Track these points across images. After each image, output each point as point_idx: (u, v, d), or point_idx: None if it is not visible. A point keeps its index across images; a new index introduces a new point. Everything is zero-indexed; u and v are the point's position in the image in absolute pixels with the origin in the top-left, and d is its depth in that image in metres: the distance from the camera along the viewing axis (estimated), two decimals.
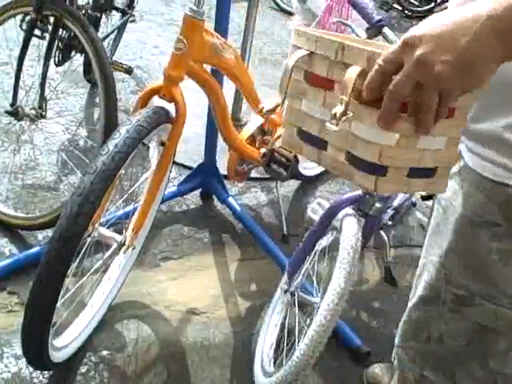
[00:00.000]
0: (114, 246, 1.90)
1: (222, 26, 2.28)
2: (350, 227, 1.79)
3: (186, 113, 1.88)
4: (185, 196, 2.76)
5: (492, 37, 0.76)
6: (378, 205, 1.90)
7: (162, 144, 1.89)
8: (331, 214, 1.91)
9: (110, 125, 2.21)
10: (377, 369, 2.13)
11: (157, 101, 1.86)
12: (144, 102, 1.86)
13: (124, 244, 1.90)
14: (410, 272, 2.57)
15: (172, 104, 1.85)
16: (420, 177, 0.99)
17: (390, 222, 2.21)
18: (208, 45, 1.89)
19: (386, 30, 1.71)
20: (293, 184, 3.05)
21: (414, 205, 2.44)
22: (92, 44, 2.20)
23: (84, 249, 1.82)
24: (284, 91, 1.04)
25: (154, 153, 1.97)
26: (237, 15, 4.38)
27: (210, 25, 2.07)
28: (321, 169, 3.07)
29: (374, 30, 1.69)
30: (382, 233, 2.21)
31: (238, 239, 2.66)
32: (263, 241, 2.54)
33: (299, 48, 1.02)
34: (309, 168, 3.01)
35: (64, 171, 2.71)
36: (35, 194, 2.58)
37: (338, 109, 0.90)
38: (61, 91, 2.98)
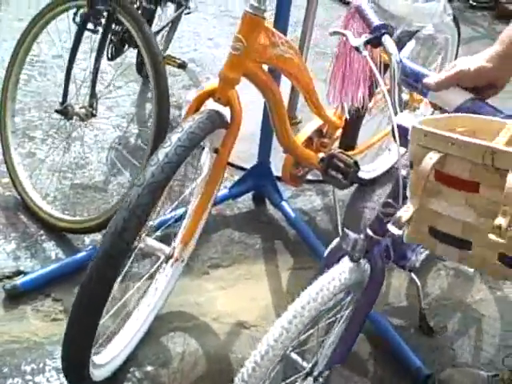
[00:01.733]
0: (162, 258, 1.79)
1: (282, 23, 2.14)
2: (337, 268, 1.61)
3: (242, 117, 1.75)
4: (236, 199, 2.64)
5: None
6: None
7: (215, 151, 1.77)
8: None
9: (162, 124, 2.12)
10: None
11: (211, 104, 1.73)
12: (198, 104, 1.74)
13: (172, 256, 1.80)
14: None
15: (227, 108, 1.72)
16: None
17: (417, 264, 2.06)
18: (268, 45, 1.75)
19: (385, 38, 1.55)
20: (350, 187, 2.90)
21: None
22: (145, 40, 2.10)
23: (130, 258, 1.74)
24: (418, 196, 1.05)
25: (206, 159, 1.86)
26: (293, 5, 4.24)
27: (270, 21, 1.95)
28: (379, 172, 2.91)
29: (374, 38, 1.54)
30: (414, 276, 2.08)
31: (291, 246, 2.53)
32: (317, 249, 2.41)
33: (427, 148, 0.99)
34: (366, 171, 2.85)
35: (113, 170, 2.63)
36: (84, 195, 2.50)
37: (502, 221, 0.89)
38: (113, 86, 2.91)
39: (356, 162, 2.22)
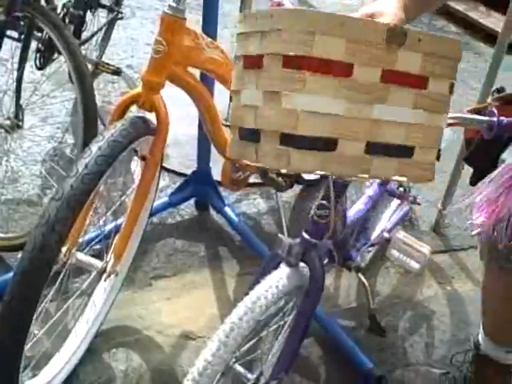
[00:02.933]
0: (94, 273, 1.71)
1: (210, 24, 2.07)
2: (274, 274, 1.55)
3: (169, 123, 1.68)
4: (178, 206, 2.57)
5: None
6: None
7: (143, 158, 1.69)
8: None
9: (90, 133, 2.02)
10: None
11: (135, 110, 1.66)
12: (121, 112, 1.65)
13: (105, 271, 1.71)
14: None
15: (153, 114, 1.65)
16: (386, 154, 0.88)
17: (363, 265, 2.04)
18: (190, 46, 1.69)
19: None
20: (295, 189, 2.84)
21: (387, 241, 2.23)
22: (67, 46, 2.02)
23: (62, 275, 1.66)
24: None
25: (136, 167, 1.78)
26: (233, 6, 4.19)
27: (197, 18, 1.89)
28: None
29: None
30: (361, 276, 2.04)
31: (236, 252, 2.46)
32: (263, 253, 2.35)
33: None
34: None
35: (48, 183, 2.52)
36: (16, 210, 2.40)
37: None
38: (46, 95, 2.81)
39: None
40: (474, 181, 1.53)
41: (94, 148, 1.45)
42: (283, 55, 0.82)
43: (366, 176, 0.90)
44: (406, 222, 2.75)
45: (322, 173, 0.88)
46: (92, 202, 1.65)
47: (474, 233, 1.69)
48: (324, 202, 1.54)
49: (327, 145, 0.85)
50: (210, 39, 1.78)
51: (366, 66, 0.84)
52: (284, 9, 0.87)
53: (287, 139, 0.83)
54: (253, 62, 0.85)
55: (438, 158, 0.96)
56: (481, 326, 1.95)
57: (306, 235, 1.57)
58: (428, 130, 0.90)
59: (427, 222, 2.88)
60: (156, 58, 1.63)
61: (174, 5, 1.62)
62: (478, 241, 1.78)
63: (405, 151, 0.89)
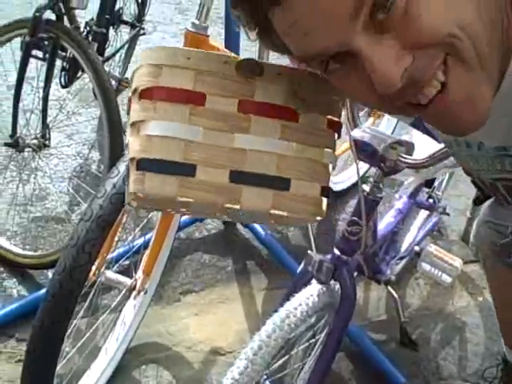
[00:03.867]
0: (123, 291, 1.71)
1: (232, 40, 2.07)
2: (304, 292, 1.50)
3: None
4: (205, 221, 2.56)
5: None
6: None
7: None
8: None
9: (116, 151, 2.03)
10: None
11: None
12: None
13: (134, 288, 1.71)
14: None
15: None
16: (256, 185, 0.85)
17: (393, 278, 2.01)
18: None
19: None
20: None
21: (418, 254, 2.20)
22: (91, 65, 2.04)
23: (92, 293, 1.66)
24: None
25: None
26: None
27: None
28: (349, 182, 2.84)
29: None
30: (391, 289, 2.01)
31: (264, 266, 2.45)
32: (291, 267, 2.33)
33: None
34: (337, 182, 2.79)
35: (76, 200, 2.53)
36: (45, 228, 2.41)
37: None
38: (72, 112, 2.83)
39: None
40: (479, 201, 1.49)
41: (122, 167, 1.45)
42: (139, 89, 0.85)
43: (237, 206, 0.87)
44: (435, 232, 2.72)
45: (185, 200, 0.85)
46: (121, 219, 1.65)
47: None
48: (355, 218, 1.52)
49: (185, 169, 0.83)
50: (233, 54, 1.77)
51: (218, 96, 0.84)
52: (148, 48, 0.88)
53: (144, 164, 0.83)
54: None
55: (326, 196, 0.91)
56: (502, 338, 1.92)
57: (337, 251, 1.56)
58: (305, 164, 0.87)
59: (456, 231, 2.84)
60: None
61: (197, 22, 1.61)
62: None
63: (279, 183, 0.86)
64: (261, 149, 0.86)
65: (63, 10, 2.28)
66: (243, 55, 1.96)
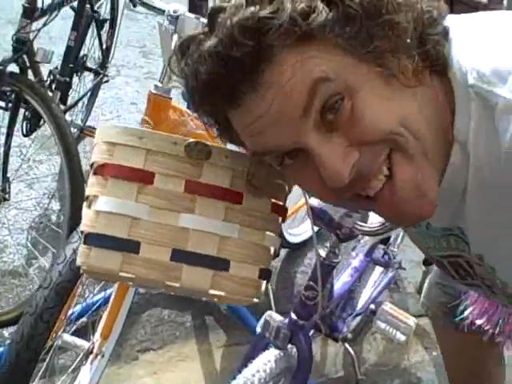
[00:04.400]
0: (80, 355, 1.69)
1: None
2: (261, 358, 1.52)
3: None
4: None
5: None
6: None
7: None
8: None
9: (77, 203, 2.03)
10: None
11: None
12: None
13: (91, 352, 1.70)
14: None
15: None
16: (196, 264, 0.88)
17: (350, 335, 2.04)
18: (176, 122, 1.72)
19: None
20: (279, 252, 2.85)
21: (373, 313, 2.25)
22: (54, 120, 2.05)
23: (48, 357, 1.65)
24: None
25: None
26: None
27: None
28: (308, 234, 2.87)
29: None
30: (348, 346, 2.04)
31: (222, 322, 2.45)
32: (249, 322, 2.34)
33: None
34: (296, 234, 2.82)
35: (34, 253, 2.50)
36: (2, 283, 2.37)
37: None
38: (33, 160, 2.82)
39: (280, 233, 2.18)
40: (428, 263, 1.54)
41: None
42: (94, 165, 0.91)
43: (177, 285, 0.90)
44: (392, 285, 2.76)
45: (127, 275, 0.89)
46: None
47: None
48: (311, 283, 1.55)
49: (129, 246, 0.87)
50: (194, 115, 1.81)
51: (167, 176, 0.89)
52: (104, 125, 0.93)
53: (90, 239, 0.88)
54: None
55: (265, 278, 0.95)
56: None
57: (293, 316, 1.57)
58: (246, 246, 0.91)
59: (413, 283, 2.89)
60: None
61: (160, 85, 1.65)
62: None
63: (219, 264, 0.90)
64: (204, 229, 0.89)
65: (28, 64, 2.30)
66: None
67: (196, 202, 0.89)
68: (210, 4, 0.83)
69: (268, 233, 0.94)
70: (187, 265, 0.89)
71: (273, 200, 0.95)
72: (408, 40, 0.79)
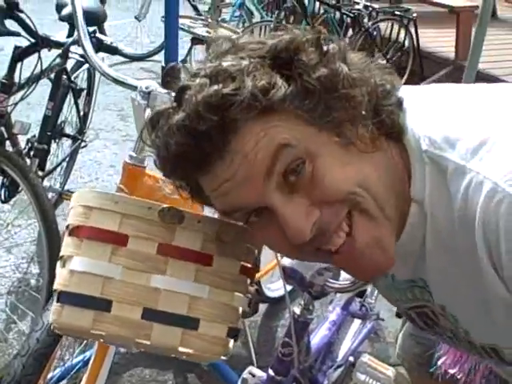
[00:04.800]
0: None
1: None
2: None
3: None
4: None
5: None
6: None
7: None
8: None
9: (55, 268, 2.05)
10: None
11: None
12: None
13: None
14: None
15: None
16: (166, 323, 0.92)
17: None
18: (151, 188, 1.77)
19: None
20: (260, 307, 2.87)
21: (352, 365, 2.26)
22: (31, 189, 2.09)
23: None
24: None
25: None
26: None
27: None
28: (288, 288, 2.90)
29: None
30: None
31: (204, 378, 2.45)
32: (230, 379, 2.34)
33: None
34: (275, 289, 2.85)
35: (12, 318, 2.50)
36: None
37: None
38: (11, 224, 2.84)
39: (257, 290, 2.21)
40: (400, 315, 1.58)
41: None
42: (70, 226, 0.95)
43: (148, 342, 0.94)
44: (372, 334, 2.78)
45: (98, 333, 0.92)
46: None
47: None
48: (287, 339, 1.58)
49: (101, 304, 0.91)
50: (169, 180, 1.85)
51: (140, 239, 0.93)
52: (80, 190, 0.99)
53: (63, 297, 0.92)
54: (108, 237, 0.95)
55: (232, 336, 0.98)
56: None
57: (271, 372, 1.60)
58: (216, 306, 0.95)
59: (392, 333, 2.90)
60: None
61: (135, 155, 1.69)
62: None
63: (188, 322, 0.93)
64: (174, 289, 0.93)
65: (5, 135, 2.35)
66: None
67: (168, 264, 0.94)
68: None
69: (237, 293, 0.98)
70: (157, 323, 0.92)
71: (242, 262, 1.00)
72: (363, 111, 0.85)
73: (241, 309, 1.00)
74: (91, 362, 1.79)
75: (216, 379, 2.41)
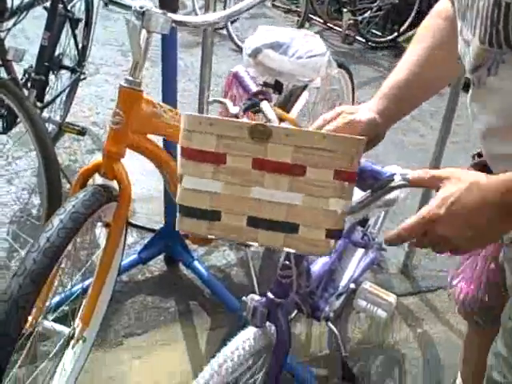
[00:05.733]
0: (61, 340, 1.71)
1: (169, 88, 2.13)
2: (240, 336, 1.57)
3: (131, 189, 1.71)
4: (147, 263, 2.57)
5: (504, 221, 0.94)
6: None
7: (107, 225, 1.71)
8: None
9: (54, 199, 2.05)
10: None
11: (97, 179, 1.69)
12: (83, 181, 1.68)
13: (72, 337, 1.72)
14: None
15: (114, 181, 1.68)
16: (269, 229, 1.05)
17: (331, 314, 2.06)
18: (149, 115, 1.73)
19: (263, 104, 1.58)
20: None
21: (354, 291, 2.27)
22: (28, 117, 2.05)
23: (29, 342, 1.66)
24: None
25: (100, 233, 1.80)
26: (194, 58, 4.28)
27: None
28: None
29: (252, 105, 1.59)
30: (331, 325, 2.07)
31: (207, 306, 2.47)
32: (233, 306, 2.36)
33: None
34: None
35: (14, 247, 2.51)
36: None
37: None
38: (11, 156, 2.83)
39: None
40: None
41: (56, 221, 1.47)
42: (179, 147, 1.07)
43: (255, 244, 1.09)
44: (375, 266, 2.78)
45: (212, 236, 1.09)
46: (58, 267, 1.66)
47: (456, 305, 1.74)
48: (286, 262, 1.57)
49: (212, 215, 1.05)
50: (168, 106, 1.82)
51: (236, 156, 1.03)
52: (183, 114, 1.08)
53: (181, 209, 1.07)
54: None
55: (333, 237, 1.08)
56: (459, 374, 1.98)
57: (270, 295, 1.60)
58: (312, 212, 1.05)
59: (395, 264, 2.92)
60: (115, 129, 1.66)
61: (131, 78, 1.66)
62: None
63: (289, 227, 1.05)
64: (272, 200, 1.04)
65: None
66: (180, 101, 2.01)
67: (264, 177, 1.04)
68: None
69: (331, 199, 1.05)
70: (261, 229, 1.06)
71: (337, 168, 1.04)
72: None
73: (339, 211, 1.06)
74: (91, 287, 1.81)
75: (218, 306, 2.43)
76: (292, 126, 1.08)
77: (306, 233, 1.06)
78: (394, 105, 1.24)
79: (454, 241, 0.97)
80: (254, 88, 1.64)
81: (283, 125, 1.07)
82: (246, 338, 1.52)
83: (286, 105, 2.32)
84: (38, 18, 2.91)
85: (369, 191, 1.32)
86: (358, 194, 1.61)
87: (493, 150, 1.10)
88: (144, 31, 1.68)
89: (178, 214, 1.09)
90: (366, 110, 1.24)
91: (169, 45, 2.10)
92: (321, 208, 1.05)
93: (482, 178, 0.97)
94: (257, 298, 1.62)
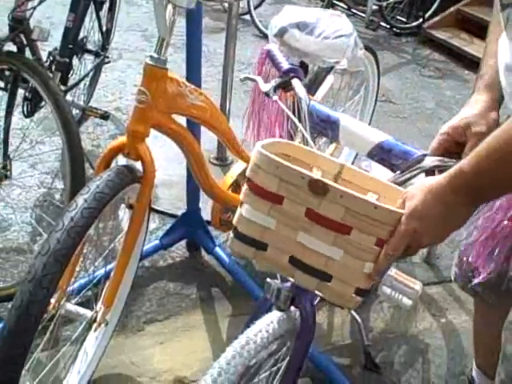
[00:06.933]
0: (84, 323, 1.70)
1: (193, 71, 2.10)
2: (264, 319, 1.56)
3: (155, 170, 1.69)
4: (169, 248, 2.56)
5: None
6: None
7: (130, 207, 1.70)
8: None
9: (77, 183, 2.04)
10: None
11: (121, 160, 1.67)
12: (107, 161, 1.67)
13: (95, 321, 1.71)
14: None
15: (138, 162, 1.66)
16: (306, 272, 1.14)
17: None
18: (174, 94, 1.70)
19: (295, 81, 1.59)
20: None
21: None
22: (52, 98, 2.04)
23: (52, 325, 1.65)
24: None
25: (123, 215, 1.79)
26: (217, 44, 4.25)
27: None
28: None
29: (284, 83, 1.61)
30: (354, 313, 2.04)
31: (228, 292, 2.46)
32: (255, 293, 2.34)
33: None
34: None
35: (38, 231, 2.51)
36: (6, 259, 2.39)
37: None
38: (35, 141, 2.83)
39: None
40: None
41: (80, 201, 1.45)
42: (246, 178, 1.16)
43: (292, 280, 1.22)
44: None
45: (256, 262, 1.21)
46: (81, 251, 1.65)
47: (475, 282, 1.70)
48: None
49: (259, 245, 1.15)
50: (193, 86, 1.79)
51: (293, 202, 1.10)
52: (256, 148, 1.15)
53: (235, 232, 1.18)
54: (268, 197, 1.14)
55: (360, 295, 1.14)
56: (474, 360, 1.95)
57: None
58: (347, 269, 1.11)
59: (418, 254, 2.88)
60: (139, 108, 1.64)
61: (156, 55, 1.63)
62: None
63: (323, 276, 1.13)
64: (315, 248, 1.12)
65: (24, 42, 2.30)
66: (203, 87, 1.99)
67: (312, 227, 1.11)
68: None
69: (367, 263, 1.10)
70: (299, 270, 1.15)
71: (379, 236, 1.08)
72: None
73: (368, 271, 1.12)
74: (113, 271, 1.79)
75: (240, 294, 2.42)
76: (348, 190, 1.09)
77: (338, 285, 1.14)
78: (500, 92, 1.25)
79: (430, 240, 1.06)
80: (285, 66, 1.62)
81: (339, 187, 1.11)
82: (269, 321, 1.49)
83: (311, 88, 2.29)
84: (62, 3, 2.91)
85: (398, 172, 1.29)
86: (378, 171, 1.61)
87: None
88: (170, 6, 1.65)
89: (231, 234, 1.19)
90: (485, 111, 1.23)
91: (193, 28, 2.08)
92: (356, 268, 1.11)
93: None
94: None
